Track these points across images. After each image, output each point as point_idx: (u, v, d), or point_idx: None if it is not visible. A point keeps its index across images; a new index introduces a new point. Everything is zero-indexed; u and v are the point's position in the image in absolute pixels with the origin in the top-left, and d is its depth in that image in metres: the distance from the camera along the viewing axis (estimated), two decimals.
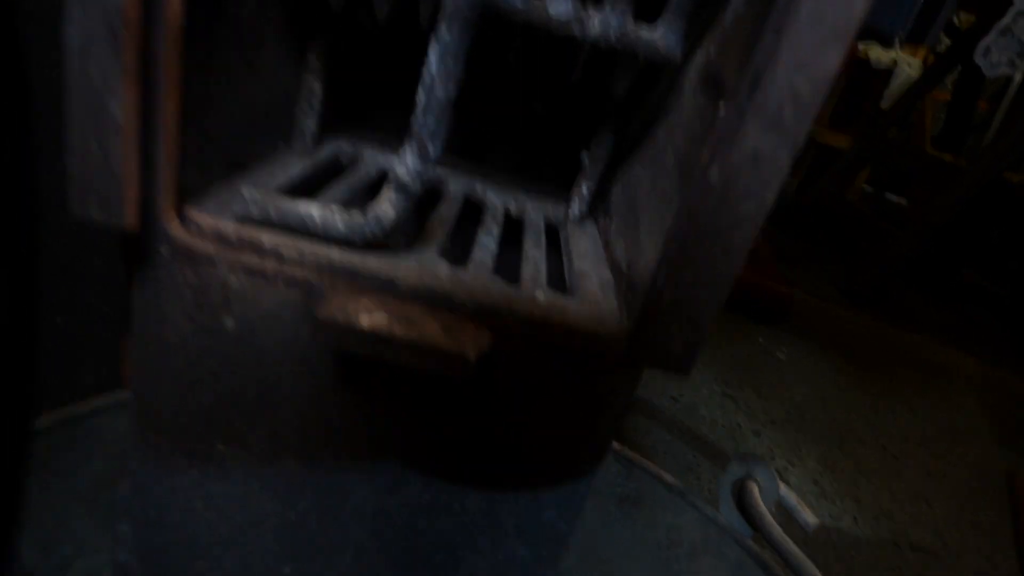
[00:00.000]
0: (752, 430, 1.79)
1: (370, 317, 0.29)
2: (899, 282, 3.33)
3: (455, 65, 0.31)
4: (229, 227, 0.31)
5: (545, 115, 0.55)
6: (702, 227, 0.28)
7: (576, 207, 0.50)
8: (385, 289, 0.32)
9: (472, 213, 0.51)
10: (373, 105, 0.54)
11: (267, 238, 0.32)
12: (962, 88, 3.46)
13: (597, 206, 0.52)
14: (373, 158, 0.50)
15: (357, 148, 0.51)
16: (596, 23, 0.37)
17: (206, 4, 0.29)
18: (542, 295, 0.36)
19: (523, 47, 0.46)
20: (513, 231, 0.49)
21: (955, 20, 3.87)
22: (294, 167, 0.43)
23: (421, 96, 0.31)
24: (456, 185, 0.51)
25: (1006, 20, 2.17)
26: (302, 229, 0.33)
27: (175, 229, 0.30)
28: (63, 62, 0.24)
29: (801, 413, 1.93)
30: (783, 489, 0.60)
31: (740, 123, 0.27)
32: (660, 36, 0.38)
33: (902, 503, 1.61)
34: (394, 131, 0.54)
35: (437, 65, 0.30)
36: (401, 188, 0.32)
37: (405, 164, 0.32)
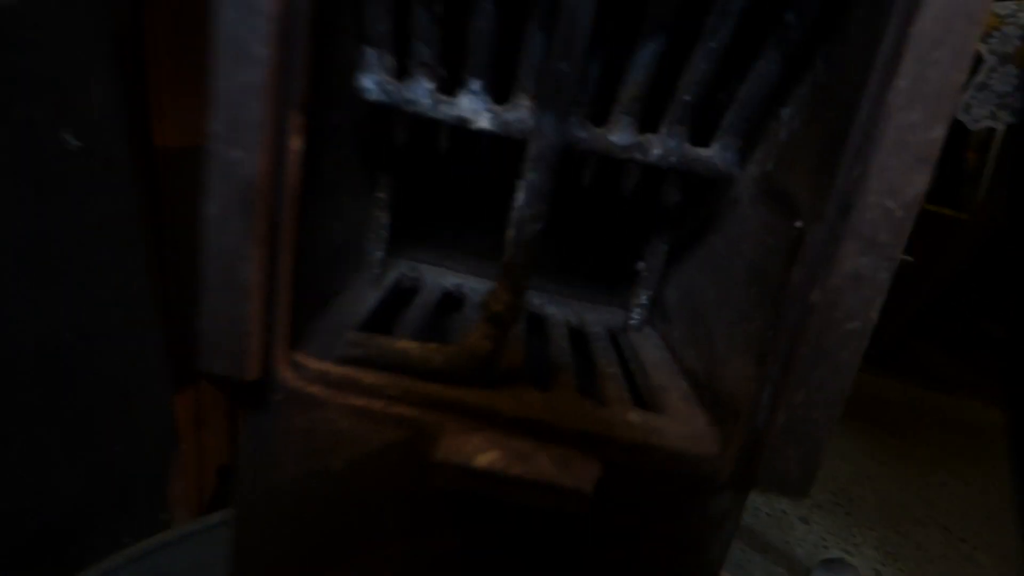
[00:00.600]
0: (798, 517, 1.71)
1: (486, 456, 0.29)
2: (918, 339, 3.28)
3: (542, 204, 0.32)
4: (334, 369, 0.32)
5: (592, 230, 0.56)
6: (809, 348, 0.29)
7: (636, 315, 0.51)
8: (487, 422, 0.32)
9: (535, 325, 0.51)
10: (428, 224, 0.56)
11: (370, 378, 0.32)
12: (948, 143, 3.58)
13: (654, 312, 0.53)
14: (434, 280, 0.52)
15: (417, 271, 0.53)
16: (656, 148, 0.40)
17: (307, 163, 0.32)
18: (635, 416, 0.36)
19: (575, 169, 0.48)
20: (578, 342, 0.50)
21: None
22: (369, 297, 0.44)
23: (512, 233, 0.33)
24: None
25: (980, 76, 2.28)
26: (402, 367, 0.33)
27: (288, 376, 0.31)
28: (201, 235, 0.26)
29: (847, 494, 1.85)
30: None
31: (836, 246, 0.28)
32: (717, 155, 0.40)
33: None
34: (449, 248, 0.56)
35: (526, 204, 0.32)
36: (496, 321, 0.33)
37: (499, 299, 0.33)
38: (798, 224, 0.32)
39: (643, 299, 0.51)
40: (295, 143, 0.28)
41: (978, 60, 2.22)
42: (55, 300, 0.59)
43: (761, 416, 0.30)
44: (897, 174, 0.27)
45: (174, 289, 0.98)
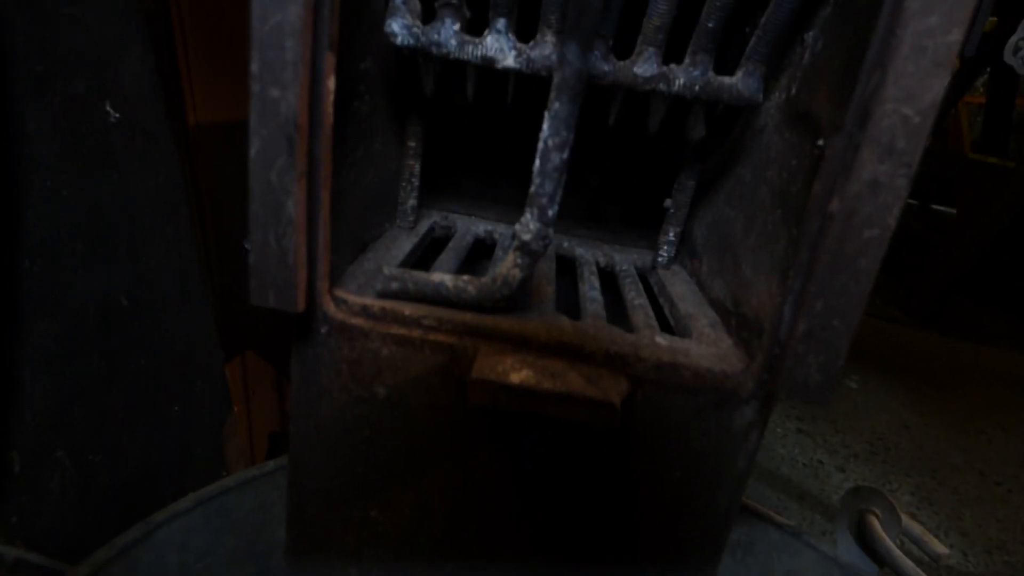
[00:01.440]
0: (835, 466, 1.71)
1: (519, 374, 0.31)
2: (959, 293, 3.20)
3: (567, 133, 0.33)
4: (374, 303, 0.34)
5: (619, 172, 0.57)
6: (828, 256, 0.29)
7: (665, 252, 0.52)
8: (520, 346, 0.34)
9: (565, 267, 0.53)
10: (457, 175, 0.58)
11: (408, 309, 0.34)
12: (996, 89, 3.42)
13: (681, 250, 0.54)
14: (465, 227, 0.53)
15: (449, 219, 0.54)
16: (680, 77, 0.40)
17: (341, 106, 0.33)
18: (661, 339, 0.37)
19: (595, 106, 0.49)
20: (608, 281, 0.51)
21: None
22: (404, 243, 0.46)
23: (537, 163, 0.34)
24: None
25: None
26: (438, 298, 0.35)
27: (332, 309, 0.33)
28: (247, 173, 0.28)
29: (884, 444, 1.84)
30: (906, 519, 0.58)
31: (855, 155, 0.28)
32: (741, 82, 0.40)
33: (1014, 532, 1.50)
34: (479, 196, 0.58)
35: (551, 134, 0.33)
36: (525, 250, 0.35)
37: (527, 227, 0.34)
38: (820, 142, 0.33)
39: (671, 236, 0.52)
40: (330, 83, 0.29)
41: None
42: (110, 269, 0.63)
43: (784, 328, 0.31)
44: (914, 80, 0.27)
45: (216, 263, 1.02)
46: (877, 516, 0.59)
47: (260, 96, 0.28)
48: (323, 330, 0.33)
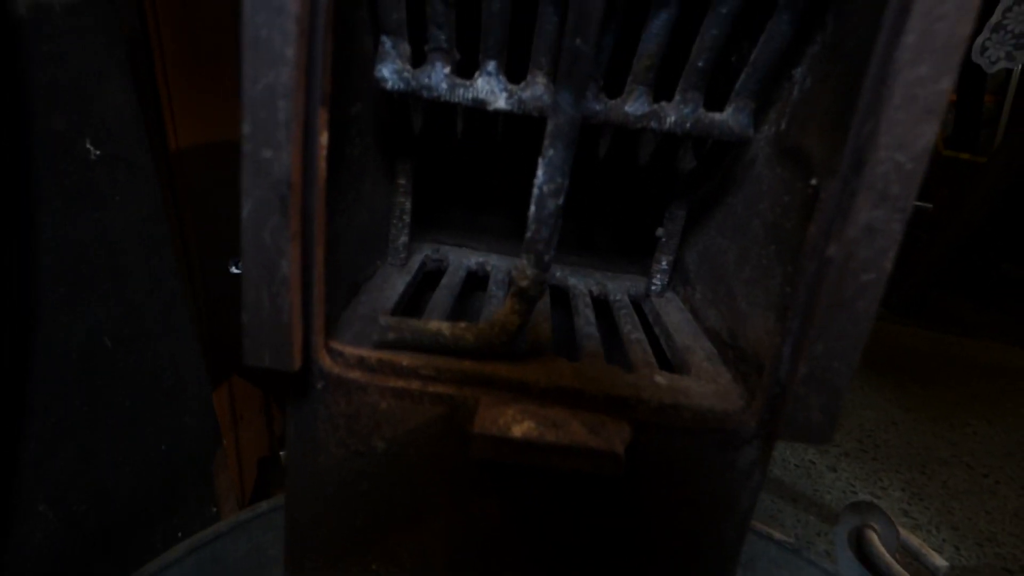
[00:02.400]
0: (827, 466, 1.73)
1: (520, 427, 0.31)
2: (939, 286, 3.26)
3: (562, 179, 0.33)
4: (371, 354, 0.34)
5: (611, 201, 0.57)
6: (827, 300, 0.30)
7: (659, 281, 0.52)
8: (520, 393, 0.34)
9: (558, 296, 0.53)
10: (447, 206, 0.57)
11: (406, 360, 0.34)
12: (965, 87, 3.49)
13: (674, 277, 0.54)
14: (457, 260, 0.53)
15: (441, 252, 0.54)
16: (671, 115, 0.40)
17: (333, 155, 0.33)
18: (661, 378, 0.37)
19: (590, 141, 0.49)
20: (601, 309, 0.51)
21: None
22: (397, 282, 0.45)
23: (533, 209, 0.34)
24: None
25: (996, 17, 2.22)
26: (435, 347, 0.35)
27: (328, 363, 0.32)
28: (241, 233, 0.27)
29: (873, 441, 1.87)
30: (903, 533, 0.58)
31: (851, 201, 0.28)
32: (731, 118, 0.40)
33: (1003, 524, 1.52)
34: (469, 228, 0.57)
35: (546, 181, 0.33)
36: (523, 296, 0.34)
37: (524, 273, 0.34)
38: (813, 182, 0.33)
39: (664, 264, 0.52)
40: (323, 138, 0.29)
41: (993, 1, 2.16)
42: (92, 306, 0.61)
43: (784, 368, 0.31)
44: (906, 128, 0.27)
45: (201, 288, 1.00)
46: (875, 531, 0.60)
47: (252, 157, 0.27)
48: (319, 385, 0.33)
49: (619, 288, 0.53)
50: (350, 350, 0.34)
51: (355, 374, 0.33)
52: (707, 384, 0.37)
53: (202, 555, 0.55)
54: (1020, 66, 2.26)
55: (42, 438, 0.57)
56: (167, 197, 0.87)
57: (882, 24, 0.27)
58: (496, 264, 0.53)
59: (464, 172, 0.55)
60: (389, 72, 0.37)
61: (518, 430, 0.31)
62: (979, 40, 2.31)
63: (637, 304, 0.52)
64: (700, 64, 0.38)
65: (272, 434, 1.27)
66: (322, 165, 0.29)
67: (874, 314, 0.30)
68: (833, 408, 0.31)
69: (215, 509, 0.80)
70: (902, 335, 2.74)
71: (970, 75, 3.36)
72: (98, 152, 0.58)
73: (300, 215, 0.28)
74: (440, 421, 0.33)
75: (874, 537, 0.59)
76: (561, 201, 0.34)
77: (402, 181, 0.47)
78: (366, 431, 0.34)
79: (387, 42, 0.37)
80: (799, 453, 1.79)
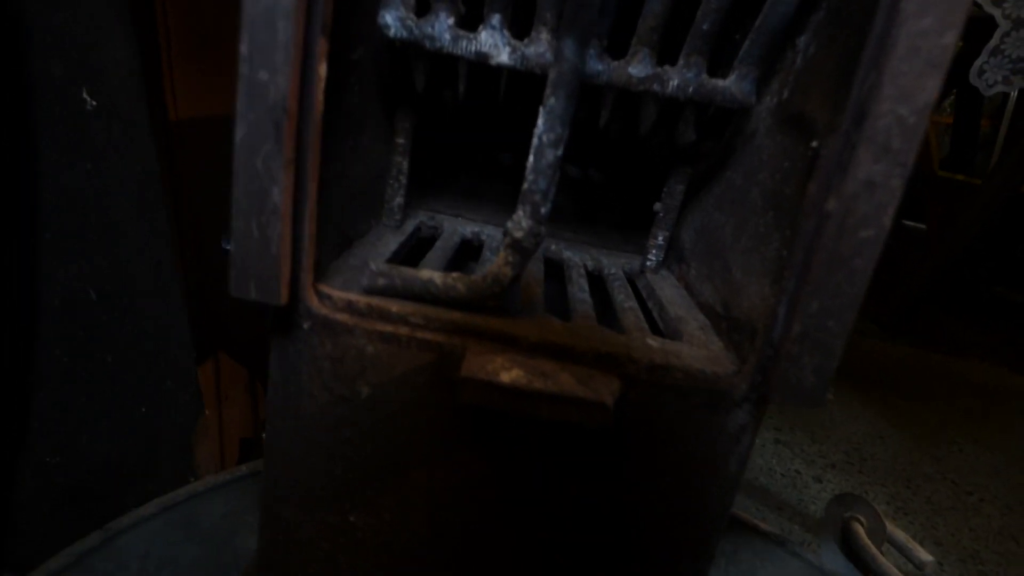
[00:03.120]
0: (813, 476, 1.73)
1: (509, 374, 0.30)
2: (930, 306, 3.27)
3: (563, 129, 0.33)
4: (360, 299, 0.33)
5: (609, 177, 0.57)
6: (824, 256, 0.29)
7: (654, 256, 0.52)
8: (510, 346, 0.33)
9: (553, 271, 0.52)
10: (446, 175, 0.57)
11: (395, 306, 0.33)
12: (962, 110, 3.54)
13: (669, 255, 0.54)
14: (453, 228, 0.53)
15: (436, 220, 0.53)
16: (674, 79, 0.40)
17: (331, 95, 0.32)
18: (654, 341, 0.37)
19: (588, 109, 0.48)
20: (596, 285, 0.50)
21: None
22: (391, 241, 0.45)
23: (531, 159, 0.33)
24: None
25: (994, 41, 2.25)
26: (425, 295, 0.34)
27: (315, 304, 0.32)
28: (232, 157, 0.27)
29: (860, 454, 1.87)
30: (890, 527, 0.58)
31: (851, 153, 0.28)
32: (735, 85, 0.40)
33: (987, 541, 1.52)
34: (466, 197, 0.57)
35: (546, 130, 0.33)
36: (517, 247, 0.34)
37: (519, 224, 0.34)
38: (814, 144, 0.33)
39: (660, 239, 0.51)
40: (321, 69, 0.28)
41: (992, 25, 2.19)
42: (79, 260, 0.60)
43: (777, 330, 0.31)
44: (909, 80, 0.27)
45: (193, 261, 1.00)
46: (862, 523, 0.59)
47: (249, 79, 0.27)
48: (305, 325, 0.32)
49: (614, 264, 0.53)
50: (339, 293, 0.33)
51: (342, 316, 0.32)
52: (699, 349, 0.37)
53: (174, 514, 0.54)
54: (1017, 90, 2.29)
55: (15, 384, 0.56)
56: (163, 164, 0.86)
57: None
58: (492, 234, 0.53)
59: (465, 141, 0.55)
60: (392, 18, 0.37)
61: (507, 376, 0.30)
62: (977, 63, 2.34)
63: (631, 279, 0.52)
64: (705, 27, 0.37)
65: (256, 415, 1.26)
66: (319, 97, 0.29)
67: (871, 273, 0.30)
68: (826, 370, 0.31)
69: (193, 479, 0.79)
70: (891, 351, 2.75)
71: (968, 97, 3.41)
72: (94, 103, 0.58)
73: (295, 143, 0.28)
74: (428, 369, 0.33)
75: (860, 529, 0.58)
76: (560, 152, 0.33)
77: (401, 140, 0.47)
78: (351, 375, 0.33)
79: None
80: (785, 463, 1.79)
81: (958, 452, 1.97)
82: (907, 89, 0.27)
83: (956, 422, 2.18)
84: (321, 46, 0.28)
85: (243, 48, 0.26)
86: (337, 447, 0.35)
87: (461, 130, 0.54)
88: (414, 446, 0.35)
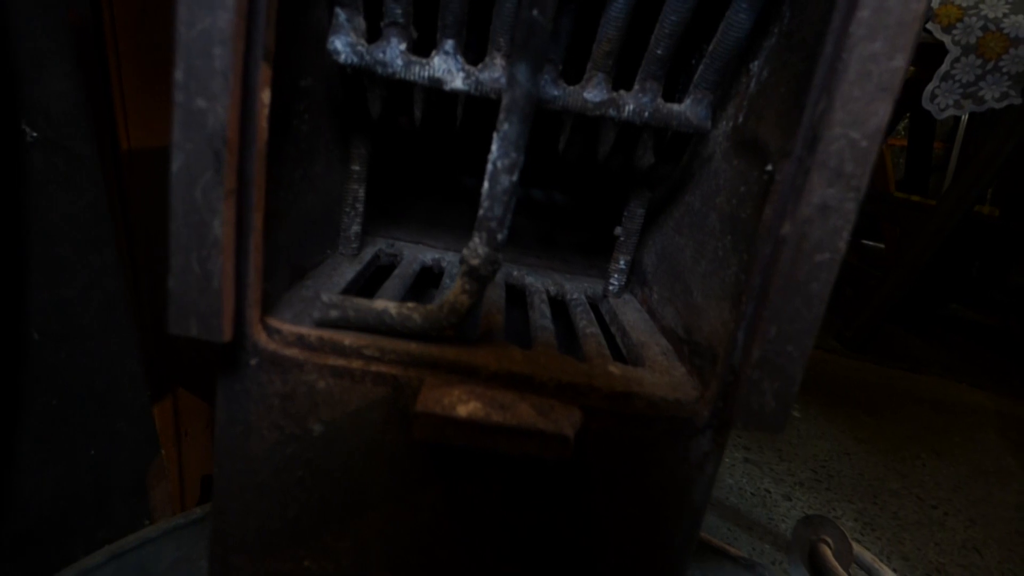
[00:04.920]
0: (782, 494, 1.73)
1: (466, 407, 0.29)
2: (890, 323, 3.36)
3: (517, 154, 0.32)
4: (311, 332, 0.32)
5: (569, 202, 0.57)
6: (781, 281, 0.29)
7: (616, 281, 0.51)
8: (468, 377, 0.32)
9: (515, 297, 0.52)
10: (404, 201, 0.56)
11: (348, 339, 0.32)
12: (916, 133, 3.69)
13: (632, 279, 0.54)
14: (412, 255, 0.52)
15: (395, 247, 0.52)
16: (630, 103, 0.40)
17: (277, 123, 0.31)
18: (614, 369, 0.36)
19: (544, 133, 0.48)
20: (559, 310, 0.50)
21: None
22: (347, 271, 0.44)
23: (486, 186, 0.32)
24: None
25: (945, 67, 2.36)
26: (380, 327, 0.33)
27: (263, 339, 0.30)
28: (168, 189, 0.26)
29: (827, 471, 1.88)
30: (857, 548, 0.58)
31: (805, 178, 0.28)
32: (690, 110, 0.40)
33: (951, 555, 1.54)
34: (426, 224, 0.56)
35: (500, 156, 0.32)
36: (474, 275, 0.33)
37: (475, 252, 0.33)
38: (769, 167, 0.33)
39: (622, 264, 0.51)
40: (264, 96, 0.27)
41: (943, 51, 2.30)
42: (20, 300, 0.57)
43: (737, 354, 0.31)
44: (861, 104, 0.27)
45: (147, 295, 0.96)
46: (829, 545, 0.59)
47: (184, 106, 0.25)
48: (253, 362, 0.31)
49: (577, 288, 0.52)
50: (288, 327, 0.32)
51: (292, 351, 0.31)
52: (661, 376, 0.36)
53: (124, 562, 0.51)
54: (967, 114, 2.40)
55: None
56: (114, 196, 0.83)
57: (837, 2, 0.27)
58: (452, 260, 0.52)
59: (422, 166, 0.54)
60: (342, 44, 0.36)
61: (463, 410, 0.29)
62: (929, 88, 2.44)
63: (594, 304, 0.51)
64: (659, 52, 0.37)
65: None
66: (262, 125, 0.28)
67: (827, 297, 0.30)
68: (787, 395, 0.31)
69: (148, 522, 0.74)
70: (854, 368, 2.80)
71: (921, 121, 3.56)
72: (35, 134, 0.55)
73: (236, 173, 0.27)
74: (382, 404, 0.31)
75: (827, 552, 0.58)
76: (515, 178, 0.33)
77: (356, 167, 0.46)
78: (302, 413, 0.31)
79: (341, 14, 0.36)
80: (755, 482, 1.80)
81: (922, 467, 2.00)
82: (858, 113, 0.28)
83: (919, 437, 2.23)
84: (263, 72, 0.27)
85: (178, 75, 0.25)
86: (289, 488, 0.33)
87: (420, 155, 0.54)
88: (371, 484, 0.33)
